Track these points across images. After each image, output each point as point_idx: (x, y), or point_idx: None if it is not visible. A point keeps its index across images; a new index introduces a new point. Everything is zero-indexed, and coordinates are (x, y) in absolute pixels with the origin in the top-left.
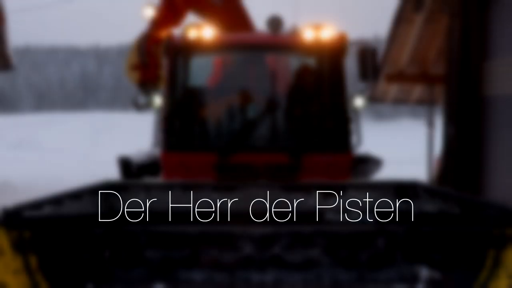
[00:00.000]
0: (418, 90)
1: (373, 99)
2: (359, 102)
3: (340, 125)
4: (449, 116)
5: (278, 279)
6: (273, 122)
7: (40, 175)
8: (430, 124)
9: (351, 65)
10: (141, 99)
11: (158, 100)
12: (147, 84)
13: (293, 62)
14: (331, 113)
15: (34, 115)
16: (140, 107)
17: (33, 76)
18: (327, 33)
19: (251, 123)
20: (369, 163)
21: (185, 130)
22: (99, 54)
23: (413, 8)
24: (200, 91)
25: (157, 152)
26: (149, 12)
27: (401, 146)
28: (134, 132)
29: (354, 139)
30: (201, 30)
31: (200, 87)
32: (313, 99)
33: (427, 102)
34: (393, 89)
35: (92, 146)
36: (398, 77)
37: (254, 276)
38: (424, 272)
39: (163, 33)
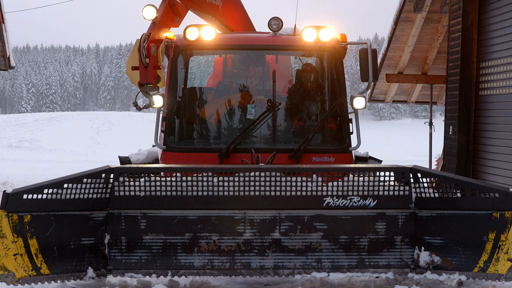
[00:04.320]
0: (418, 90)
1: (373, 99)
2: (359, 102)
3: (340, 126)
4: (449, 116)
5: (278, 264)
6: (273, 123)
7: (40, 175)
8: (430, 124)
9: (351, 65)
10: (142, 99)
11: (158, 100)
12: (147, 84)
13: (293, 63)
14: (331, 113)
15: (34, 115)
16: (140, 107)
17: (33, 76)
18: (327, 34)
19: (251, 123)
20: (369, 163)
21: (185, 131)
22: (99, 54)
23: (413, 8)
24: (200, 91)
25: (157, 152)
26: (149, 13)
27: (401, 145)
28: (134, 132)
29: (354, 139)
30: (201, 30)
31: (201, 87)
32: (313, 99)
33: (427, 102)
34: (393, 89)
35: (92, 146)
36: (398, 77)
37: (254, 260)
38: (424, 257)
39: (164, 34)
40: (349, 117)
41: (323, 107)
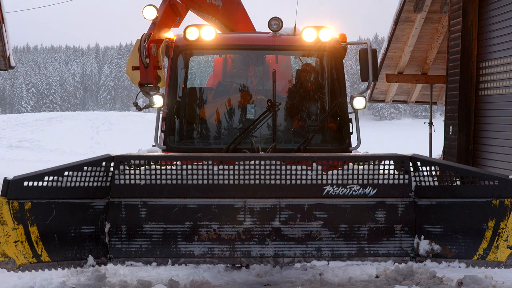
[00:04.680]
0: (418, 90)
1: (373, 99)
2: (359, 102)
3: (340, 126)
4: (449, 116)
5: (278, 252)
6: (273, 123)
7: None
8: (430, 124)
9: (351, 65)
10: (142, 99)
11: (158, 100)
12: (147, 84)
13: (293, 63)
14: (331, 113)
15: (34, 115)
16: (140, 107)
17: (33, 76)
18: (327, 34)
19: (251, 123)
20: None
21: (185, 131)
22: (99, 54)
23: (413, 8)
24: (200, 91)
25: (157, 152)
26: (150, 13)
27: (401, 145)
28: (134, 132)
29: (354, 139)
30: (201, 30)
31: (200, 87)
32: (313, 99)
33: (427, 102)
34: (393, 89)
35: (92, 146)
36: (398, 77)
37: (254, 249)
38: (424, 245)
39: (164, 34)
40: (349, 117)
41: (323, 107)
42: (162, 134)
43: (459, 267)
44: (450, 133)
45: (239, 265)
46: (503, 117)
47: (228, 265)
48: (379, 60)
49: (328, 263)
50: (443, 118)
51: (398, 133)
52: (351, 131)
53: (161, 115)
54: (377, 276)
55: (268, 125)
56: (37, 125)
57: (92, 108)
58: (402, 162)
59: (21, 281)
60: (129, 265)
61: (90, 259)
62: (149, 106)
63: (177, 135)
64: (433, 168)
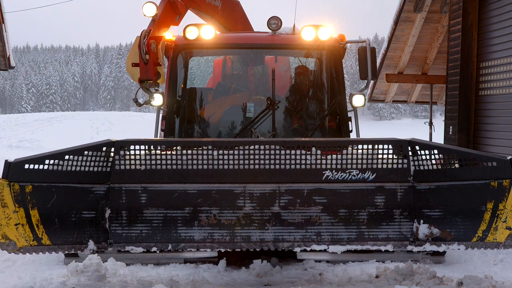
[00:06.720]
0: (418, 90)
1: (373, 99)
2: (358, 100)
3: (339, 124)
4: (449, 116)
5: (278, 237)
6: (272, 121)
7: None
8: (430, 124)
9: (351, 65)
10: (142, 96)
11: (158, 98)
12: (147, 80)
13: (292, 62)
14: (330, 111)
15: (34, 115)
16: (140, 103)
17: (33, 76)
18: (326, 33)
19: (251, 122)
20: None
21: (185, 130)
22: (99, 54)
23: (413, 8)
24: (201, 91)
25: None
26: (149, 10)
27: None
28: (134, 132)
29: (353, 137)
30: (200, 29)
31: (201, 86)
32: (312, 98)
33: (427, 102)
34: (393, 89)
35: None
36: (398, 77)
37: (254, 234)
38: (423, 229)
39: (164, 31)
40: (349, 116)
41: (322, 105)
42: (162, 133)
43: (458, 249)
44: (450, 133)
45: (239, 249)
46: (503, 117)
47: (228, 266)
48: (379, 60)
49: (328, 247)
50: (443, 118)
51: (398, 133)
52: (350, 129)
53: (161, 114)
54: (377, 276)
55: (268, 125)
56: (37, 125)
57: (92, 108)
58: (400, 146)
59: (21, 281)
60: (129, 251)
61: (91, 244)
62: (149, 101)
63: (177, 134)
64: (431, 151)
